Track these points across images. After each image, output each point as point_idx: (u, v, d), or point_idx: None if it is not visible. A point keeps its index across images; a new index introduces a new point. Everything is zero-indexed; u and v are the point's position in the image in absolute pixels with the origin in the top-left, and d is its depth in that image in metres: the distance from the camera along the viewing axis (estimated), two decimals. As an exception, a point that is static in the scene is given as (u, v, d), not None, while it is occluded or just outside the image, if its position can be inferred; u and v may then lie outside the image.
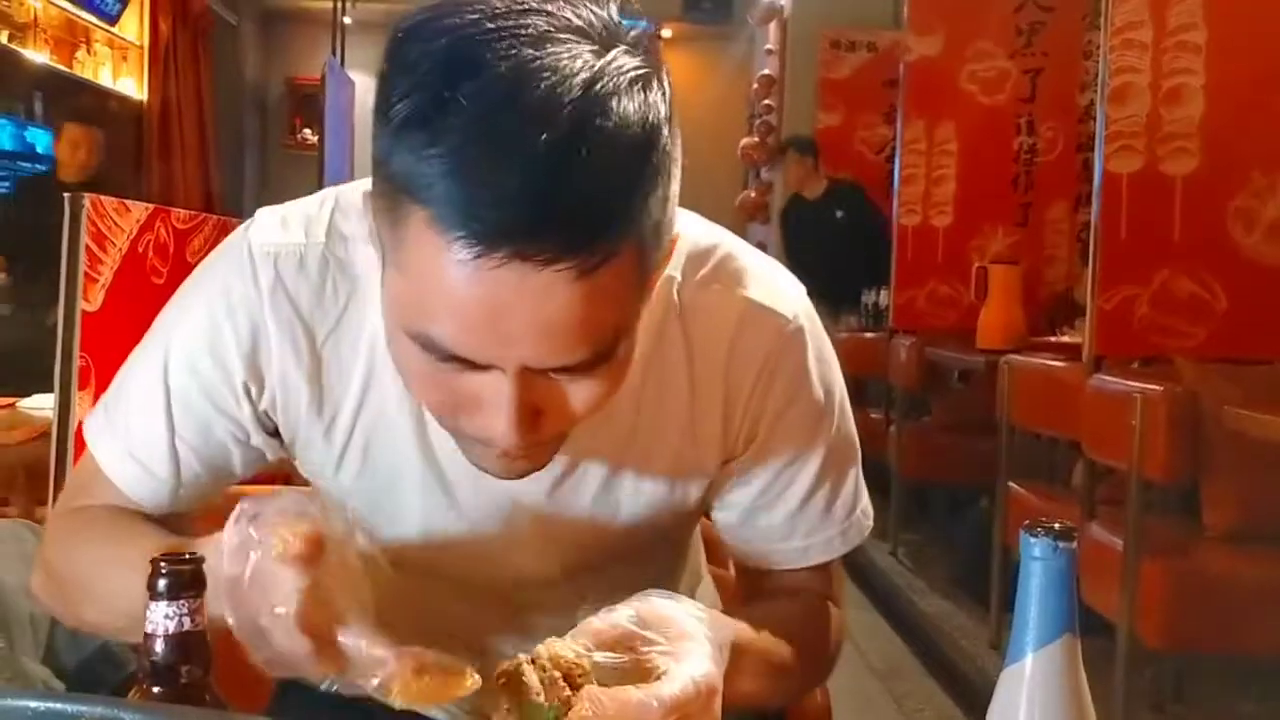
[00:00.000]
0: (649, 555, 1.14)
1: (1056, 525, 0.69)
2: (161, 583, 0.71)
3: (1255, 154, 3.33)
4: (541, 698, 0.77)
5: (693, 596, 1.26)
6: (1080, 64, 5.30)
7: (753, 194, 8.59)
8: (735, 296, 1.01)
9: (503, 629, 1.13)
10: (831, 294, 6.59)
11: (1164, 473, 2.91)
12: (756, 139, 8.52)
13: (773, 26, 8.77)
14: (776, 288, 1.05)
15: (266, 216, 1.01)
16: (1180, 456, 2.87)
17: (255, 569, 0.78)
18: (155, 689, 0.72)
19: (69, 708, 0.66)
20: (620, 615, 0.83)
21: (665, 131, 0.77)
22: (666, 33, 10.37)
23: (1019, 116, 5.37)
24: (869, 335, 6.05)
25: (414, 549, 1.09)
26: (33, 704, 0.66)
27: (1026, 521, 0.70)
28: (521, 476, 0.92)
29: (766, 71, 8.71)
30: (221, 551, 0.80)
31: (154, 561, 0.71)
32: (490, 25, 0.74)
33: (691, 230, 1.02)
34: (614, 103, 0.73)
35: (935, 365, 5.08)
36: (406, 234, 0.77)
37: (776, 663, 1.00)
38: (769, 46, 8.85)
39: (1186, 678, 3.40)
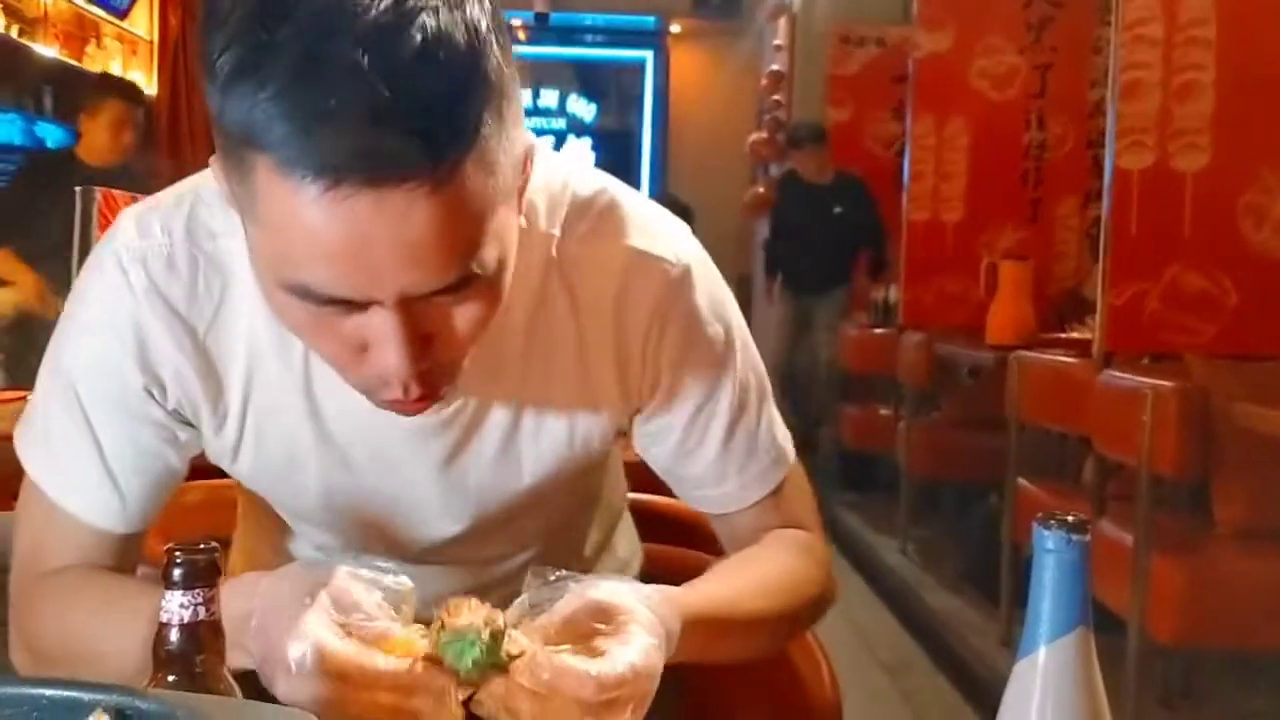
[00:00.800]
0: (555, 505, 1.15)
1: (1070, 518, 0.69)
2: (177, 572, 0.71)
3: (1266, 150, 3.31)
4: (483, 635, 0.80)
5: (611, 534, 1.29)
6: (1090, 59, 5.28)
7: (760, 190, 8.58)
8: (618, 247, 1.01)
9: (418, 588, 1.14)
10: (814, 278, 6.70)
11: (1174, 469, 2.91)
12: (765, 135, 8.51)
13: (782, 22, 8.76)
14: (658, 232, 1.04)
15: (126, 222, 1.00)
16: (1190, 452, 2.87)
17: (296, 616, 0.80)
18: (170, 678, 0.72)
19: (84, 696, 0.66)
20: (571, 607, 0.85)
21: (492, 40, 0.76)
22: (675, 29, 10.37)
23: (1029, 112, 5.35)
24: (878, 331, 6.04)
25: (318, 523, 1.11)
26: (48, 692, 0.66)
27: (1040, 514, 0.70)
28: (423, 411, 0.91)
29: (775, 67, 8.70)
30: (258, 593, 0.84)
31: (169, 551, 0.71)
32: None
33: (574, 180, 1.03)
34: (426, 16, 0.73)
35: (944, 361, 5.07)
36: (256, 185, 0.76)
37: (745, 620, 1.02)
38: (778, 42, 8.84)
39: (1196, 673, 3.39)
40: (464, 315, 0.83)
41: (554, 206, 1.01)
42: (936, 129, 5.39)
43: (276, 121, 0.72)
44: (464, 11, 0.75)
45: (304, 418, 1.01)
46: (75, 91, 5.48)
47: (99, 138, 4.64)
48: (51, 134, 5.76)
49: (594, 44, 11.13)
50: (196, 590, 0.71)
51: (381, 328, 0.80)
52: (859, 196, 6.81)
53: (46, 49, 5.93)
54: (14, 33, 5.64)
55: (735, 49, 10.07)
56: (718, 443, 1.09)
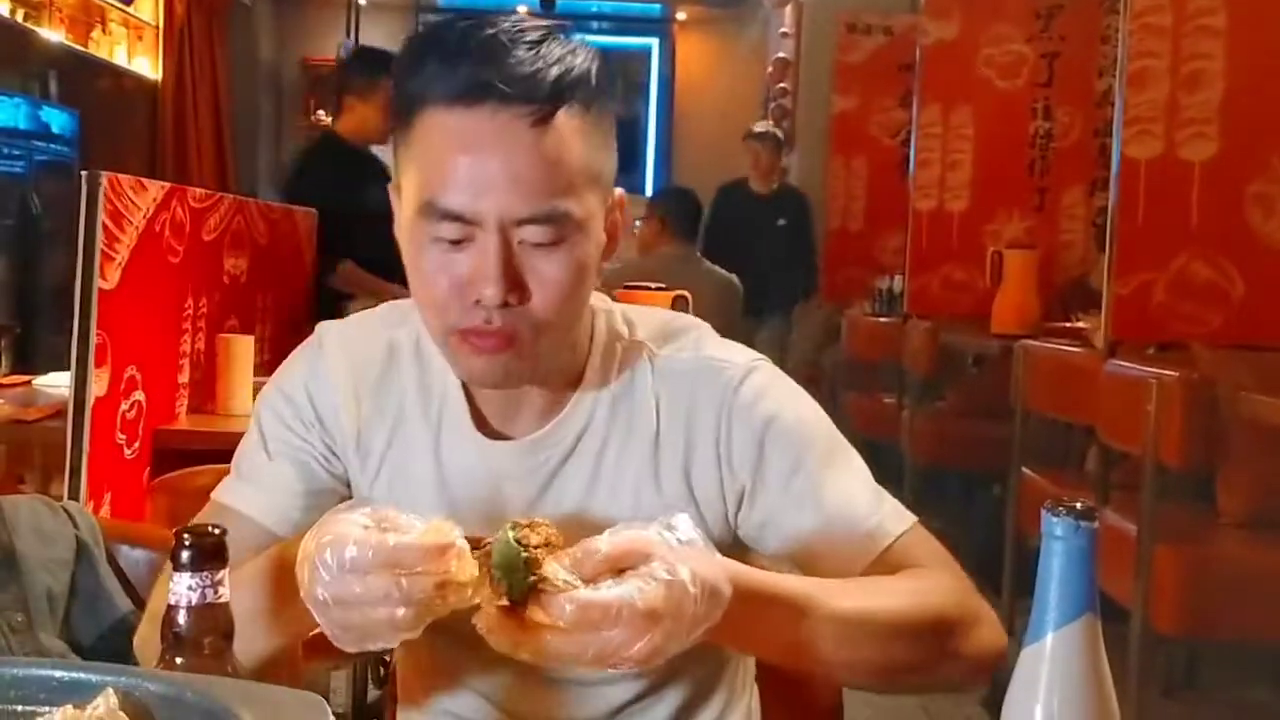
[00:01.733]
0: None
1: (1078, 505, 0.70)
2: (185, 554, 0.71)
3: (1274, 139, 3.31)
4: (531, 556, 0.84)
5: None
6: (1098, 48, 5.27)
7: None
8: (695, 355, 1.18)
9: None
10: (751, 298, 6.53)
11: (1179, 458, 2.90)
12: (772, 123, 8.49)
13: (789, 9, 8.73)
14: (731, 348, 1.20)
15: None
16: (1195, 442, 2.87)
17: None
18: (178, 659, 0.72)
19: (93, 678, 0.66)
20: (600, 544, 0.87)
21: (592, 67, 1.04)
22: (681, 16, 10.34)
23: (1035, 101, 5.35)
24: (883, 320, 6.04)
25: None
26: (58, 674, 0.67)
27: (1048, 500, 0.70)
28: (509, 378, 1.07)
29: (782, 55, 8.67)
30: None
31: (178, 533, 0.72)
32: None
33: (674, 318, 1.23)
34: (550, 34, 1.03)
35: (949, 350, 5.06)
36: (416, 130, 1.02)
37: (822, 613, 1.00)
38: (784, 29, 8.82)
39: (1198, 664, 3.40)
40: (547, 268, 1.02)
41: (652, 331, 1.19)
42: (943, 117, 5.38)
43: (434, 68, 1.00)
44: (579, 42, 1.05)
45: (429, 480, 1.16)
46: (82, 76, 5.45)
47: (372, 118, 4.43)
48: (56, 119, 5.75)
49: (599, 31, 11.10)
50: (204, 572, 0.72)
51: (483, 257, 1.00)
52: (800, 212, 6.74)
53: (52, 33, 5.93)
54: (19, 17, 5.63)
55: (741, 36, 10.04)
56: (814, 505, 1.12)
